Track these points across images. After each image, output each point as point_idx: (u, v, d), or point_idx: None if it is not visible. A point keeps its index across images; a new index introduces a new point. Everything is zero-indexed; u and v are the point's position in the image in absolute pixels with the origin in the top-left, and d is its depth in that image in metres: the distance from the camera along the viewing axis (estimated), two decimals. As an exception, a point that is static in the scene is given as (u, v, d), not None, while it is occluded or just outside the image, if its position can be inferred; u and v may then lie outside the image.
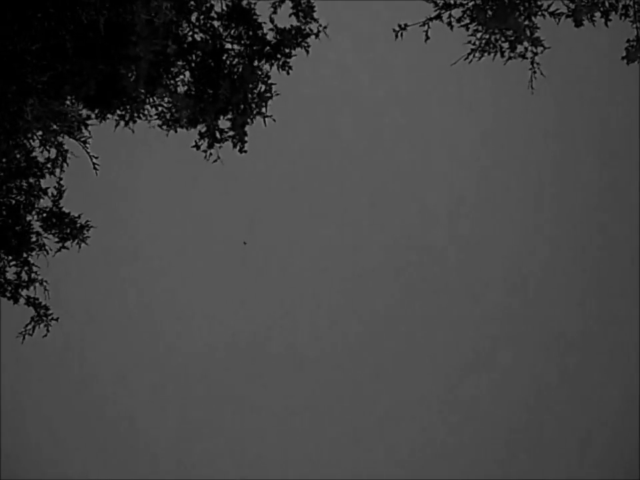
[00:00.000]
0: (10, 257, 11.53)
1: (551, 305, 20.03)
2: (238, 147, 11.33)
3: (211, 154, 11.30)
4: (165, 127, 11.03)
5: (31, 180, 11.47)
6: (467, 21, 11.49)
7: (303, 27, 11.02)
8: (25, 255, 11.54)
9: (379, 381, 19.78)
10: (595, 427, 19.61)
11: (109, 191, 17.41)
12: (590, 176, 19.91)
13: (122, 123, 10.96)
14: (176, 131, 11.10)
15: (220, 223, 19.22)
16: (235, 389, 19.61)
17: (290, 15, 11.09)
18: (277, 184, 19.50)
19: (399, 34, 11.11)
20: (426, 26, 11.23)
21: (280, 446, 19.47)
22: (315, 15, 11.12)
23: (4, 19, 9.65)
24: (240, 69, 11.12)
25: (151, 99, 10.86)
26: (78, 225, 11.69)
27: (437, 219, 19.80)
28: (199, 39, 11.13)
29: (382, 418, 19.77)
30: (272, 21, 11.19)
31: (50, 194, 11.70)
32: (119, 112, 10.82)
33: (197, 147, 11.30)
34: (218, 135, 11.18)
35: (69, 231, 11.63)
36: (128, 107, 10.61)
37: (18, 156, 11.21)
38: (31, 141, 10.98)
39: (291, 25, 11.07)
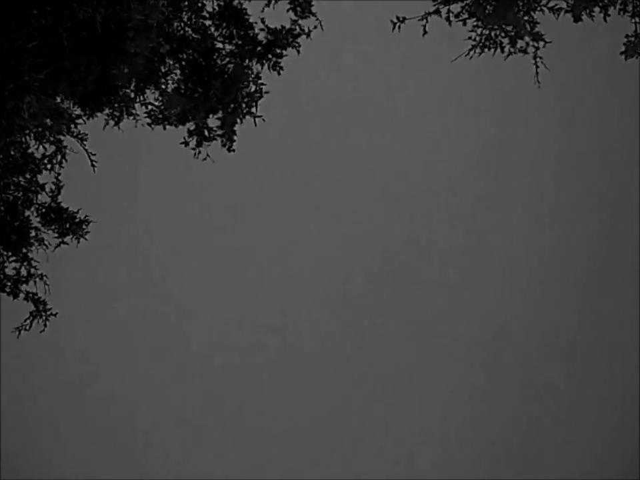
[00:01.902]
0: (9, 253, 11.54)
1: (551, 305, 19.98)
2: (227, 146, 11.35)
3: (199, 152, 11.34)
4: (153, 125, 11.06)
5: (28, 176, 11.49)
6: (466, 16, 11.40)
7: (294, 27, 11.03)
8: (24, 251, 11.54)
9: (379, 380, 19.75)
10: (595, 426, 19.56)
11: (107, 187, 17.39)
12: (592, 175, 19.86)
13: (111, 122, 10.97)
14: (165, 128, 11.13)
15: (219, 220, 19.21)
16: (235, 389, 19.60)
17: (287, 10, 11.10)
18: (277, 183, 19.47)
19: (397, 26, 11.02)
20: (424, 20, 11.15)
21: (280, 446, 19.45)
22: (313, 10, 11.15)
23: (1, 17, 9.67)
24: (231, 69, 11.12)
25: (140, 97, 10.87)
26: (77, 220, 11.68)
27: (436, 219, 19.76)
28: (190, 38, 11.12)
29: (383, 417, 19.73)
30: (263, 21, 11.21)
31: (48, 189, 11.72)
32: (108, 110, 10.83)
33: (186, 143, 11.34)
34: (207, 133, 11.20)
35: (67, 226, 11.62)
36: (117, 105, 10.62)
37: (13, 153, 11.22)
38: (27, 137, 10.99)
39: (282, 25, 11.08)
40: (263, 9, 10.80)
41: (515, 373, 19.83)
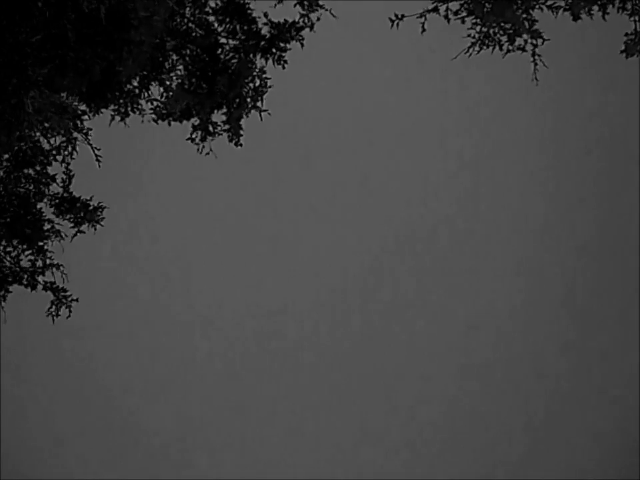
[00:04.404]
0: (24, 246, 11.55)
1: (551, 305, 20.00)
2: (234, 141, 11.38)
3: (203, 147, 11.37)
4: (158, 120, 11.09)
5: (38, 168, 11.51)
6: (464, 14, 11.43)
7: (299, 21, 11.06)
8: (39, 243, 11.55)
9: (379, 378, 19.76)
10: (595, 426, 19.56)
11: (113, 182, 17.41)
12: (591, 173, 19.89)
13: (117, 117, 11.01)
14: (169, 124, 11.16)
15: (221, 216, 19.23)
16: (236, 389, 19.59)
17: (295, 5, 11.14)
18: (277, 182, 19.49)
19: (396, 24, 11.05)
20: (423, 18, 11.18)
21: (281, 446, 19.43)
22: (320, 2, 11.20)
23: (4, 10, 9.65)
24: (235, 64, 11.15)
25: (145, 93, 10.90)
26: (90, 208, 11.67)
27: (435, 216, 19.78)
28: (193, 33, 11.15)
29: (383, 416, 19.73)
30: (266, 15, 11.25)
31: (59, 180, 11.75)
32: (113, 106, 10.85)
33: (192, 139, 11.36)
34: (211, 128, 11.25)
35: (82, 214, 11.62)
36: (122, 101, 10.64)
37: (24, 146, 11.25)
38: (34, 132, 11.00)
39: (285, 19, 11.12)
40: (275, 5, 10.83)
41: (514, 372, 19.85)
